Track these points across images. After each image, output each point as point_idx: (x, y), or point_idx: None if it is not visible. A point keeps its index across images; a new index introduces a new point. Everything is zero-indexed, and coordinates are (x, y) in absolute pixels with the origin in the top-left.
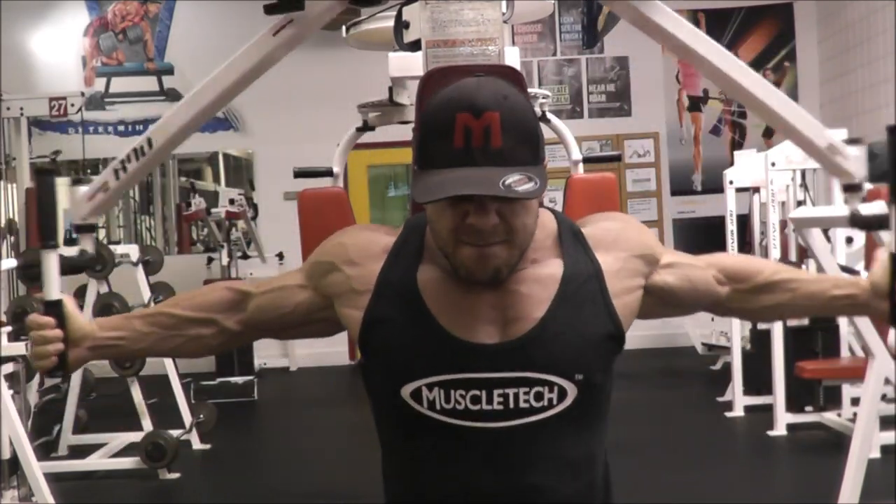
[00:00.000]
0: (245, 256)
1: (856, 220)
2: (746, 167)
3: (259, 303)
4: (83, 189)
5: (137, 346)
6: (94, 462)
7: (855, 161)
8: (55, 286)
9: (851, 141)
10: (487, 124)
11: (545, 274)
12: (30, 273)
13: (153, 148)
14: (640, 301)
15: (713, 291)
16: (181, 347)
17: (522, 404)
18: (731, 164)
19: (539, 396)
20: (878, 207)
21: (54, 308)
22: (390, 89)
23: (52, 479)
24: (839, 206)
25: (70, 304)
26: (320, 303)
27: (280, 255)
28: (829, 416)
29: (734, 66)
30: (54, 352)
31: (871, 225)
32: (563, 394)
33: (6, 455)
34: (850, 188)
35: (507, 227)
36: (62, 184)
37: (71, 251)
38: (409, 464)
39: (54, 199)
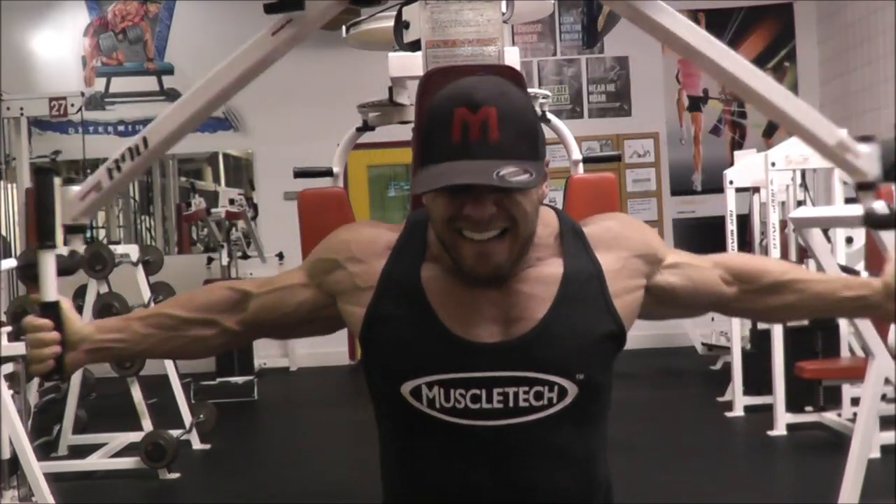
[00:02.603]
0: (245, 256)
1: (871, 220)
2: (746, 167)
3: (262, 302)
4: (75, 189)
5: (137, 349)
6: (94, 462)
7: (867, 158)
8: (52, 287)
9: (862, 138)
10: (484, 118)
11: (547, 273)
12: (30, 273)
13: (148, 147)
14: (640, 301)
15: (719, 292)
16: (182, 349)
17: (522, 403)
18: (731, 164)
19: (539, 396)
20: (882, 206)
21: (51, 310)
22: (390, 89)
23: (52, 479)
24: (839, 206)
25: (67, 306)
26: (323, 301)
27: (280, 255)
28: (829, 416)
29: (737, 64)
30: (51, 355)
31: (888, 224)
32: (563, 393)
33: (6, 455)
34: (864, 186)
35: (507, 216)
36: (57, 184)
37: (63, 251)
38: (409, 460)
39: (52, 198)
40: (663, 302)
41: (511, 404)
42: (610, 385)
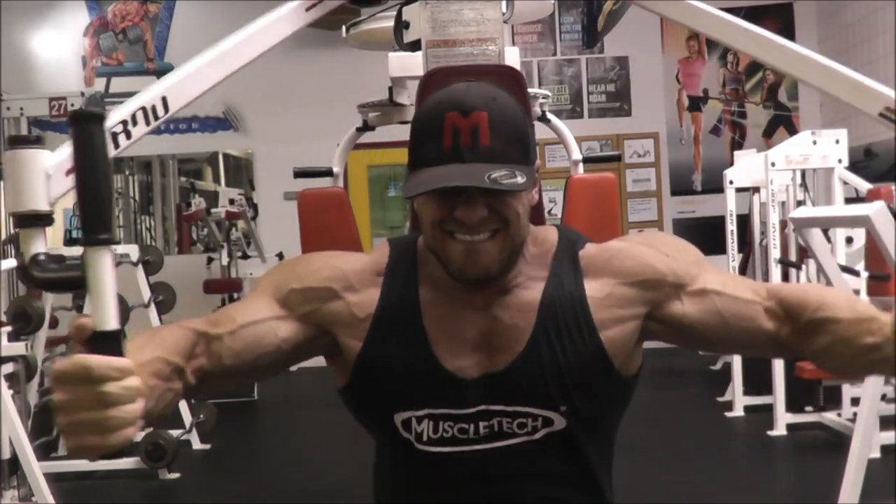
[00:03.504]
0: (245, 256)
1: None
2: (746, 167)
3: (231, 346)
4: (55, 156)
5: (150, 410)
6: (94, 462)
7: None
8: (113, 306)
9: None
10: (476, 123)
11: (526, 300)
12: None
13: (168, 111)
14: (634, 332)
15: (757, 328)
16: (167, 407)
17: (506, 429)
18: (731, 164)
19: (522, 426)
20: (877, 207)
21: (114, 344)
22: (390, 89)
23: (52, 479)
24: (839, 206)
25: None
26: (311, 333)
27: (280, 255)
28: (829, 416)
29: (770, 49)
30: (137, 415)
31: None
32: (548, 422)
33: (6, 455)
34: None
35: (499, 217)
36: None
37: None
38: (401, 473)
39: (106, 161)
40: (681, 335)
41: (496, 430)
42: (607, 414)
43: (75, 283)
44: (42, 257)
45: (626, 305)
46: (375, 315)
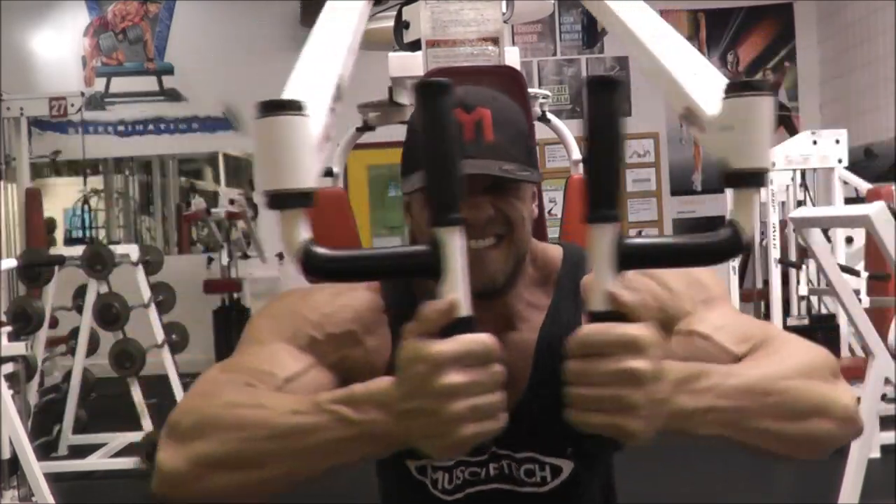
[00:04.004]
0: (245, 256)
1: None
2: None
3: None
4: (317, 127)
5: None
6: (94, 462)
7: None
8: (468, 292)
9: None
10: (479, 119)
11: (524, 339)
12: (30, 273)
13: (340, 98)
14: None
15: None
16: None
17: (515, 474)
18: None
19: (530, 473)
20: (877, 207)
21: (467, 329)
22: (390, 89)
23: (52, 479)
24: (839, 206)
25: None
26: (339, 381)
27: (280, 256)
28: None
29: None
30: (502, 402)
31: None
32: (556, 470)
33: (6, 455)
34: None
35: (504, 219)
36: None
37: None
38: (407, 495)
39: (453, 132)
40: None
41: (506, 472)
42: (612, 445)
43: (419, 269)
44: (315, 246)
45: None
46: (389, 363)
